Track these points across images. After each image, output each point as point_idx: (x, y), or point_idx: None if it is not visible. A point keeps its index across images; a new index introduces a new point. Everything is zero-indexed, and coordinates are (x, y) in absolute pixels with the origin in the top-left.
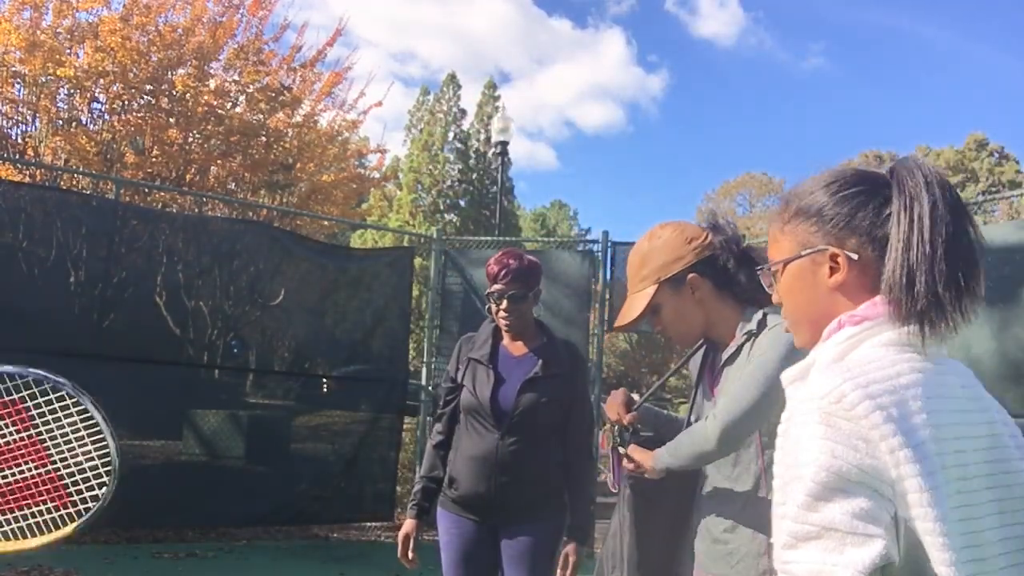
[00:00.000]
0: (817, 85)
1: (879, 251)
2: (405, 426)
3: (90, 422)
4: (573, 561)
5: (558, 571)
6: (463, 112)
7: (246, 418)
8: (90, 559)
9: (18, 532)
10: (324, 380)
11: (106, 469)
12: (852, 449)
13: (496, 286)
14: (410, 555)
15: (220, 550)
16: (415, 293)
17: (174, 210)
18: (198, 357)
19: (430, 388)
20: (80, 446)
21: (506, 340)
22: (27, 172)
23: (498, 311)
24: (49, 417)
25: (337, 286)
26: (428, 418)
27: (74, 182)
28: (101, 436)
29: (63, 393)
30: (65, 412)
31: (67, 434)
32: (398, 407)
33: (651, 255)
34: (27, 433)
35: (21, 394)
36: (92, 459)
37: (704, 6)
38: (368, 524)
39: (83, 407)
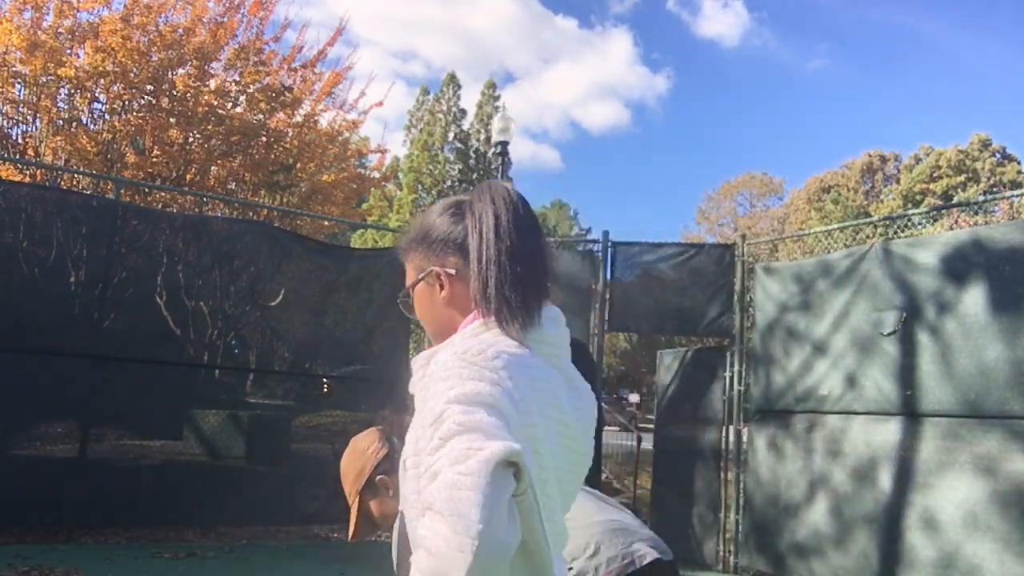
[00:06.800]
0: (821, 85)
1: None
2: None
3: None
4: None
5: None
6: (463, 112)
7: (246, 418)
8: (90, 559)
9: None
10: (324, 380)
11: None
12: (490, 384)
13: None
14: None
15: (220, 550)
16: None
17: (174, 210)
18: (198, 357)
19: None
20: None
21: None
22: (27, 172)
23: None
24: None
25: (337, 286)
26: None
27: (74, 182)
28: None
29: None
30: None
31: None
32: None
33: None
34: None
35: None
36: None
37: (706, 6)
38: None
39: None
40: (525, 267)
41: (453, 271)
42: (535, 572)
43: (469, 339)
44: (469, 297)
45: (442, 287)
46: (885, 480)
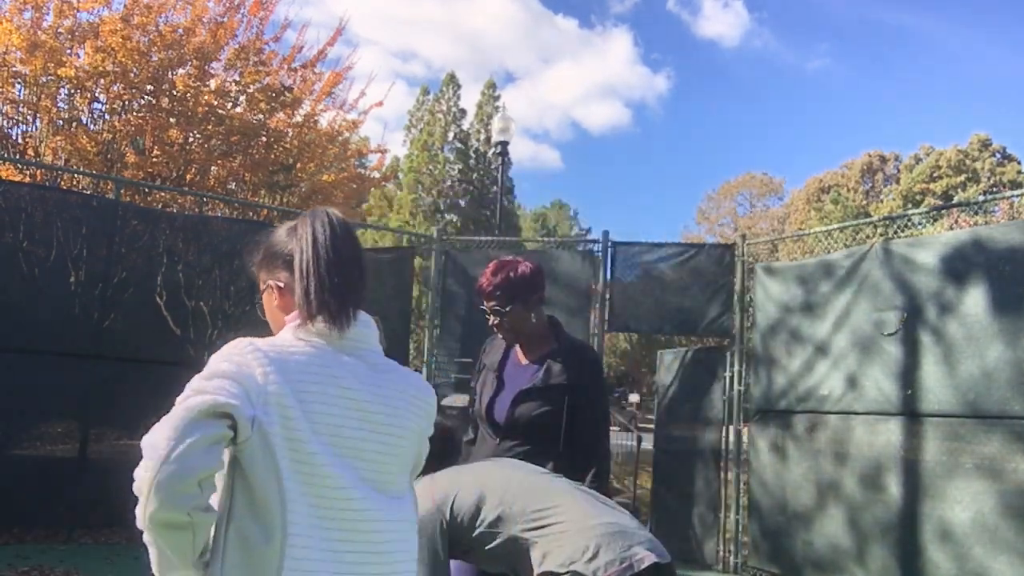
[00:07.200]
0: (821, 85)
1: None
2: None
3: None
4: None
5: None
6: (463, 112)
7: None
8: (90, 558)
9: None
10: None
11: None
12: (235, 365)
13: (484, 304)
14: None
15: None
16: (415, 293)
17: (174, 210)
18: (198, 357)
19: None
20: None
21: (516, 347)
22: (27, 172)
23: (492, 324)
24: None
25: None
26: None
27: (74, 182)
28: None
29: None
30: None
31: None
32: None
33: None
34: None
35: None
36: None
37: (707, 6)
38: None
39: None
40: (340, 277)
41: (282, 284)
42: (257, 511)
43: (254, 338)
44: (294, 305)
45: (275, 297)
46: (886, 480)
